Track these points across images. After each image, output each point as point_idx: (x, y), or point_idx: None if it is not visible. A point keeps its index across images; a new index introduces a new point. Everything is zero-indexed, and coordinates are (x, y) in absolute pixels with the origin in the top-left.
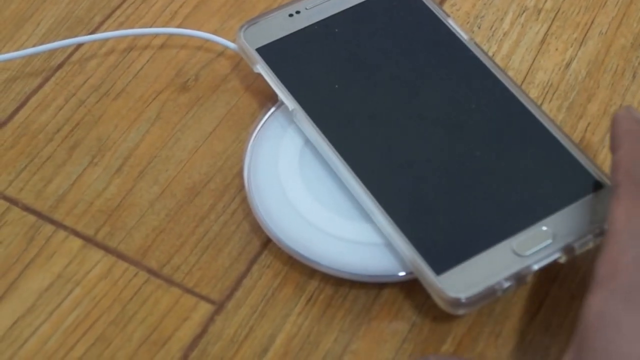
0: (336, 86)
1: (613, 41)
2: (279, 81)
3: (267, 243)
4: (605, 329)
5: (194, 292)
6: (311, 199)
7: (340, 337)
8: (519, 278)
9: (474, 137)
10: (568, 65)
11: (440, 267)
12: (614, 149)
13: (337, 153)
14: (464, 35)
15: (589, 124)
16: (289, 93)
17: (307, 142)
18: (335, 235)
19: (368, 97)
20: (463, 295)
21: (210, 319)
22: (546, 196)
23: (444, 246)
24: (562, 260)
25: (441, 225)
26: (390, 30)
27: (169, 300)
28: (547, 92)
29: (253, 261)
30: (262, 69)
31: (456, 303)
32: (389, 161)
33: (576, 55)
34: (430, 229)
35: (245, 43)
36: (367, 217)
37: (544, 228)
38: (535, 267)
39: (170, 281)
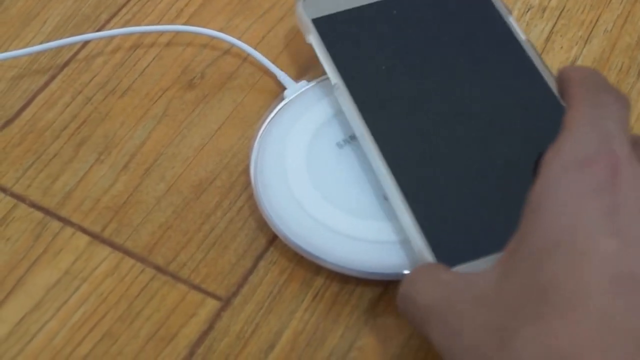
0: (383, 67)
1: (618, 39)
2: (328, 54)
3: (273, 240)
4: (547, 194)
5: (200, 288)
6: (318, 196)
7: (347, 333)
8: None
9: (513, 141)
10: (573, 63)
11: (447, 262)
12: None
13: (370, 134)
14: (521, 35)
15: None
16: (334, 67)
17: (314, 138)
18: (341, 232)
19: (413, 83)
20: None
21: (217, 316)
22: None
23: (456, 243)
24: None
25: (458, 222)
26: (449, 19)
27: (175, 297)
28: None
29: (259, 258)
30: (313, 39)
31: None
32: (421, 151)
33: (581, 53)
34: (447, 225)
35: (302, 12)
36: (374, 214)
37: None
38: None
39: (176, 278)
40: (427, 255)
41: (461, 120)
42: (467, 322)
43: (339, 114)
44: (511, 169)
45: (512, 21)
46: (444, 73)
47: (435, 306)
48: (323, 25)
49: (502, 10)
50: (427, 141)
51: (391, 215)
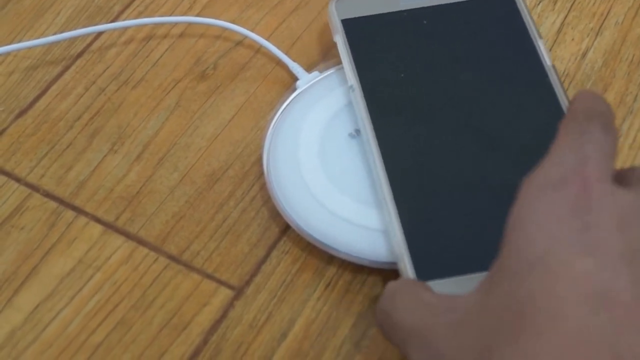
0: (402, 76)
1: (629, 31)
2: (350, 56)
3: (286, 229)
4: (523, 215)
5: (213, 277)
6: (330, 186)
7: (359, 322)
8: None
9: (515, 164)
10: (584, 54)
11: (424, 274)
12: None
13: (375, 139)
14: (547, 61)
15: None
16: (354, 69)
17: (327, 129)
18: (353, 222)
19: (428, 96)
20: None
21: (230, 304)
22: None
23: (439, 258)
24: None
25: (443, 235)
26: (477, 36)
27: (188, 286)
28: (564, 81)
29: (272, 247)
30: (339, 39)
31: None
32: (421, 161)
33: (592, 45)
34: (431, 236)
35: (334, 11)
36: None
37: None
38: None
39: (190, 267)
40: (407, 264)
41: (467, 138)
42: (448, 345)
43: (351, 105)
44: (508, 192)
45: (541, 45)
46: (461, 89)
47: (415, 328)
48: (352, 26)
49: (533, 34)
50: (429, 155)
51: None
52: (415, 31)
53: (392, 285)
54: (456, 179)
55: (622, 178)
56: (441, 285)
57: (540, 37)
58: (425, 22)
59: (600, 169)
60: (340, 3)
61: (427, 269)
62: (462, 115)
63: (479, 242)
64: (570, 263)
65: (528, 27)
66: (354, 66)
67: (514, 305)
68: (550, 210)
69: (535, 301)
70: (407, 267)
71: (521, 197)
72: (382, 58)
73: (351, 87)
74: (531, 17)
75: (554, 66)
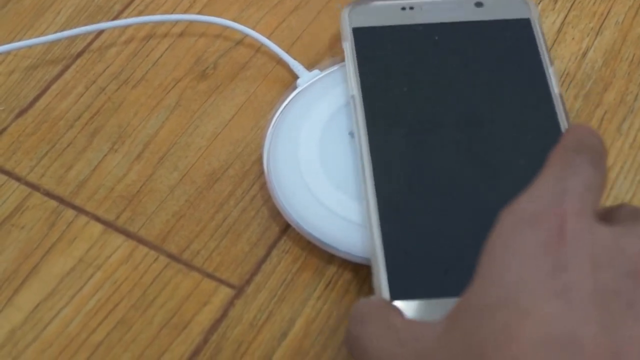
0: (405, 90)
1: (629, 31)
2: (356, 65)
3: (286, 229)
4: (496, 250)
5: (213, 276)
6: (330, 184)
7: None
8: None
9: (506, 191)
10: (585, 54)
11: (398, 292)
12: None
13: (368, 151)
14: (555, 89)
15: (605, 112)
16: (357, 80)
17: (327, 127)
18: (353, 221)
19: (427, 114)
20: None
21: (230, 304)
22: None
23: (413, 276)
24: None
25: (423, 256)
26: (487, 57)
27: (189, 285)
28: (564, 81)
29: (272, 246)
30: (347, 47)
31: None
32: (412, 179)
33: (592, 44)
34: (410, 255)
35: (346, 18)
36: None
37: None
38: None
39: (190, 266)
40: (382, 280)
41: (462, 160)
42: None
43: None
44: (494, 220)
45: (552, 72)
46: (463, 110)
47: (382, 357)
48: (362, 36)
49: (545, 59)
50: (421, 174)
51: None
52: (425, 47)
53: (362, 306)
54: (445, 201)
55: (609, 216)
56: (414, 307)
57: (552, 63)
58: (436, 38)
59: (581, 204)
60: (354, 11)
61: (401, 287)
62: (459, 137)
63: (459, 266)
64: (538, 306)
65: (540, 53)
66: (358, 77)
67: (475, 346)
68: (523, 248)
69: (496, 344)
70: (381, 283)
71: (496, 230)
72: (387, 71)
73: (352, 97)
74: (545, 43)
75: (561, 95)
